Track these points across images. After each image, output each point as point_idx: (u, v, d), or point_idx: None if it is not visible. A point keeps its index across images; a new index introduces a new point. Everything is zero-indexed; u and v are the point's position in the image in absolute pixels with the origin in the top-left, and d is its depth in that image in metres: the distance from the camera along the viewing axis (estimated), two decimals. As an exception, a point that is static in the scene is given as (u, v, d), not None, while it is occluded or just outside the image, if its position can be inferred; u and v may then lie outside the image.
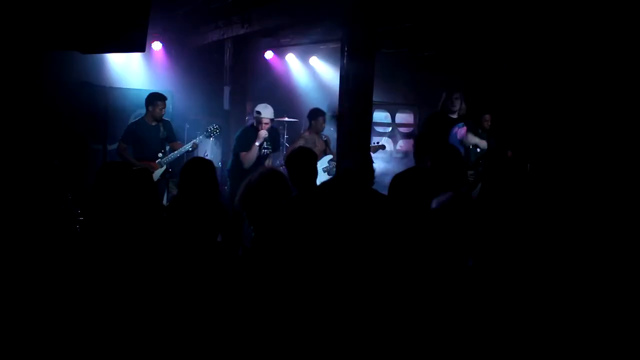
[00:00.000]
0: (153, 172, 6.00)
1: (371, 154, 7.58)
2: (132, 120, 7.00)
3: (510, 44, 6.37)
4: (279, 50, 9.16)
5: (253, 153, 5.94)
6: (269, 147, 6.20)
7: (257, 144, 5.95)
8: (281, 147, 8.89)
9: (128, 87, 7.90)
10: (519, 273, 3.03)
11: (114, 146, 6.52)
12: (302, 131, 8.24)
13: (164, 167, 6.10)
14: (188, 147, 6.18)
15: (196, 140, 6.29)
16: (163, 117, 6.20)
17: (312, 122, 6.63)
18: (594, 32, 4.58)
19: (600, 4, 4.22)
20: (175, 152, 6.18)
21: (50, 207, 3.12)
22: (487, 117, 6.53)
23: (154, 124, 6.13)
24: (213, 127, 6.37)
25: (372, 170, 3.71)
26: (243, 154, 5.94)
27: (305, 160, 3.69)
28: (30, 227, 2.91)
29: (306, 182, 3.63)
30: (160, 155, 6.14)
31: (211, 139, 6.71)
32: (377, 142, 7.52)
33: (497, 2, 4.82)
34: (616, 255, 3.29)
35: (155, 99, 6.11)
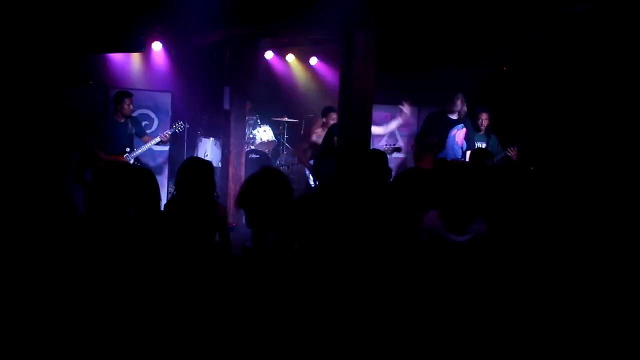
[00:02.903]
0: None
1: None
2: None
3: (511, 44, 6.38)
4: (279, 50, 9.15)
5: None
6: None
7: None
8: (281, 148, 8.90)
9: (128, 87, 7.90)
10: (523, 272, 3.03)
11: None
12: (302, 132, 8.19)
13: (131, 162, 6.48)
14: (154, 142, 6.63)
15: (164, 135, 6.66)
16: (131, 114, 6.59)
17: (324, 119, 6.74)
18: (594, 32, 4.58)
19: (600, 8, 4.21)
20: (143, 147, 6.61)
21: (50, 206, 3.12)
22: (485, 115, 6.52)
23: (122, 120, 6.48)
24: (178, 123, 6.90)
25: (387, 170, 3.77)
26: None
27: None
28: (30, 225, 2.91)
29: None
30: (127, 150, 6.51)
31: (177, 132, 6.99)
32: (392, 145, 7.22)
33: (498, 2, 4.81)
34: (620, 257, 3.28)
35: (123, 96, 6.47)
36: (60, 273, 2.55)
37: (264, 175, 2.62)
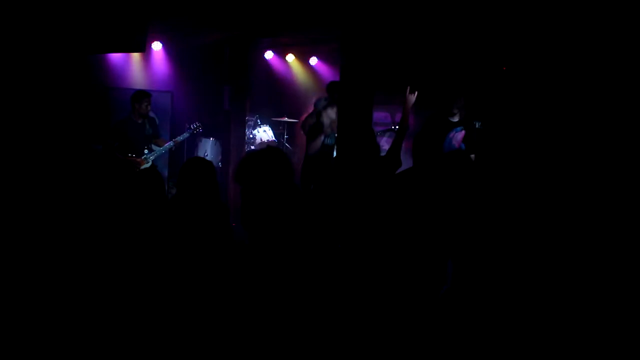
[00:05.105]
0: (139, 168, 6.24)
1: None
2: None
3: (510, 45, 6.37)
4: (279, 50, 9.15)
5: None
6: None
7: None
8: (281, 148, 8.91)
9: (128, 87, 7.90)
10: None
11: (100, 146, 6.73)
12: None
13: (150, 163, 6.34)
14: (171, 144, 6.52)
15: (180, 138, 6.62)
16: (149, 114, 6.43)
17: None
18: (592, 31, 4.58)
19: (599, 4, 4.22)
20: (161, 148, 6.47)
21: (52, 205, 3.13)
22: (461, 100, 6.44)
23: (140, 121, 6.32)
24: (195, 125, 6.80)
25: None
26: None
27: None
28: (33, 224, 2.92)
29: None
30: (146, 151, 6.35)
31: (194, 133, 6.99)
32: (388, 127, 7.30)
33: (499, 3, 4.82)
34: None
35: (141, 96, 6.29)
36: (65, 271, 2.56)
37: (266, 152, 2.57)
